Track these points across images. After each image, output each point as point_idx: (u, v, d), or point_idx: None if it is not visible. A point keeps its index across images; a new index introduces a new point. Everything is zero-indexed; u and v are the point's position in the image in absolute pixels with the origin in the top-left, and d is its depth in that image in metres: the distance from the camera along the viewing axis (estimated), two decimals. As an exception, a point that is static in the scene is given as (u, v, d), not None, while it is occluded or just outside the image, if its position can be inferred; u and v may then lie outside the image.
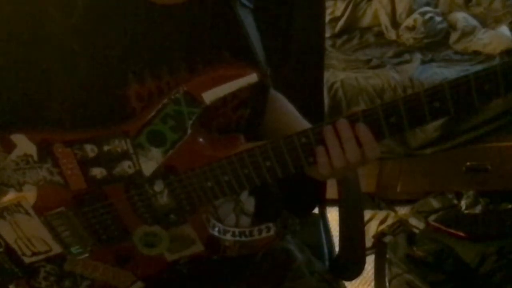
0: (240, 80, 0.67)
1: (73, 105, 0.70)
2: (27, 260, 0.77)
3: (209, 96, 0.67)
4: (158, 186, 0.71)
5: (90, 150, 0.69)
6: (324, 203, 1.22)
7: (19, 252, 0.76)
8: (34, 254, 0.76)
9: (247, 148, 0.69)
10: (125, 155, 0.70)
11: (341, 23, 2.30)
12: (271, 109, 0.83)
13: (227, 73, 0.67)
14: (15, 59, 0.69)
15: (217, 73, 0.68)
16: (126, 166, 0.70)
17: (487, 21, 2.16)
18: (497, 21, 2.14)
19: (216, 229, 0.77)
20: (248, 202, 0.82)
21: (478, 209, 1.89)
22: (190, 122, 0.68)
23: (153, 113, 0.68)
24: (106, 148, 0.69)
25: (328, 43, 2.19)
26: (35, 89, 0.70)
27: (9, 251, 0.76)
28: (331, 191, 1.12)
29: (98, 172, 0.70)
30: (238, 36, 0.73)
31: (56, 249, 0.76)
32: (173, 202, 0.72)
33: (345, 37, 2.29)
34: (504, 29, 2.05)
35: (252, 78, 0.67)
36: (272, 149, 0.68)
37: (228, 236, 0.77)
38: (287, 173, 0.70)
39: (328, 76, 1.96)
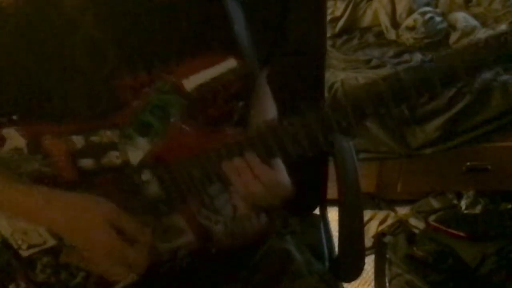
0: (218, 66, 0.68)
1: (66, 96, 0.70)
2: (23, 253, 0.77)
3: (189, 83, 0.69)
4: (146, 175, 0.72)
5: (78, 141, 0.70)
6: (324, 204, 1.22)
7: (15, 246, 0.76)
8: (30, 247, 0.76)
9: (236, 139, 0.70)
10: (112, 146, 0.71)
11: (341, 23, 2.30)
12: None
13: (205, 60, 0.69)
14: (15, 53, 0.69)
15: (196, 60, 0.69)
16: (113, 157, 0.71)
17: (487, 21, 2.16)
18: (497, 21, 2.14)
19: (207, 219, 0.77)
20: None
21: (478, 209, 1.89)
22: (176, 112, 0.70)
23: (140, 104, 0.70)
24: (93, 139, 0.70)
25: (328, 43, 2.17)
26: (29, 81, 0.70)
27: (6, 245, 0.76)
28: (331, 191, 1.12)
29: (86, 162, 0.71)
30: (228, 30, 0.74)
31: (51, 241, 0.76)
32: (162, 192, 0.73)
33: (345, 37, 2.28)
34: (504, 29, 2.05)
35: (230, 63, 0.68)
36: (258, 138, 0.69)
37: (219, 226, 0.78)
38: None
39: (328, 76, 1.95)
